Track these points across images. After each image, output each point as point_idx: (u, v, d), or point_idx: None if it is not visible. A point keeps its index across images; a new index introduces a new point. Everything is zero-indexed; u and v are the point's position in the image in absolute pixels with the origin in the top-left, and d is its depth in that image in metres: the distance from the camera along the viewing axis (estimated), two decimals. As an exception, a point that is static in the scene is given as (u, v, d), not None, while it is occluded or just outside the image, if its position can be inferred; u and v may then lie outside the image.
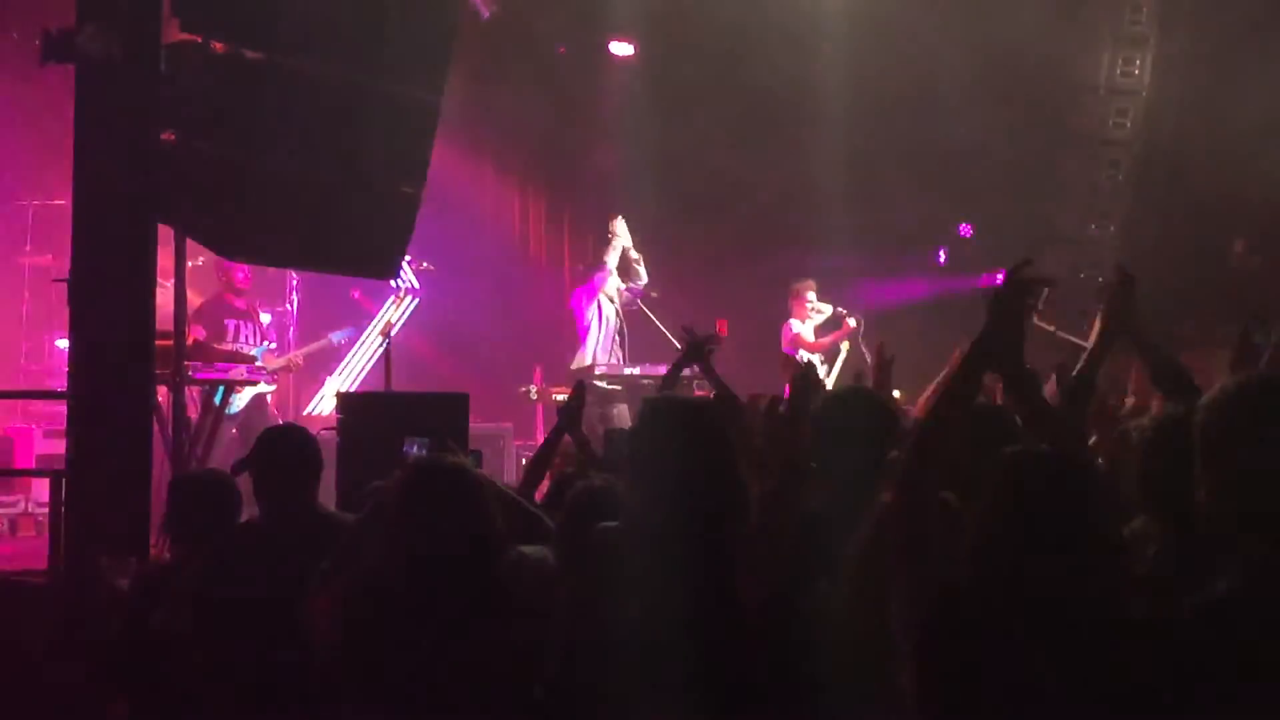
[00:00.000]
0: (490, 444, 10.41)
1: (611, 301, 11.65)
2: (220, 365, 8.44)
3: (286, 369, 11.23)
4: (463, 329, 13.87)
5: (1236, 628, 2.55)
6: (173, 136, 6.96)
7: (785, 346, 12.00)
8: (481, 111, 13.60)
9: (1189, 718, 2.55)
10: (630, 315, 11.84)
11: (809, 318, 12.36)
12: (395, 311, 11.78)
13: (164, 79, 6.74)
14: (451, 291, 13.08)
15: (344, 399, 8.64)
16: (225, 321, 10.38)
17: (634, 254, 11.77)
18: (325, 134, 7.59)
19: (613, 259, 11.64)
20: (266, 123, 7.26)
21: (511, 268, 15.23)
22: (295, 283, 12.62)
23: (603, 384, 11.02)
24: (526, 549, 4.01)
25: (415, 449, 5.41)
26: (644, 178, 13.43)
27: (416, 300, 11.78)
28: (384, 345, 9.92)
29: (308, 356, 11.48)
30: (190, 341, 8.17)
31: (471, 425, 7.43)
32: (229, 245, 8.05)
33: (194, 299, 10.33)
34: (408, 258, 10.33)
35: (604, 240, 11.84)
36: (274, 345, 11.04)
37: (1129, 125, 12.96)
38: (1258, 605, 2.57)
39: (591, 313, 11.58)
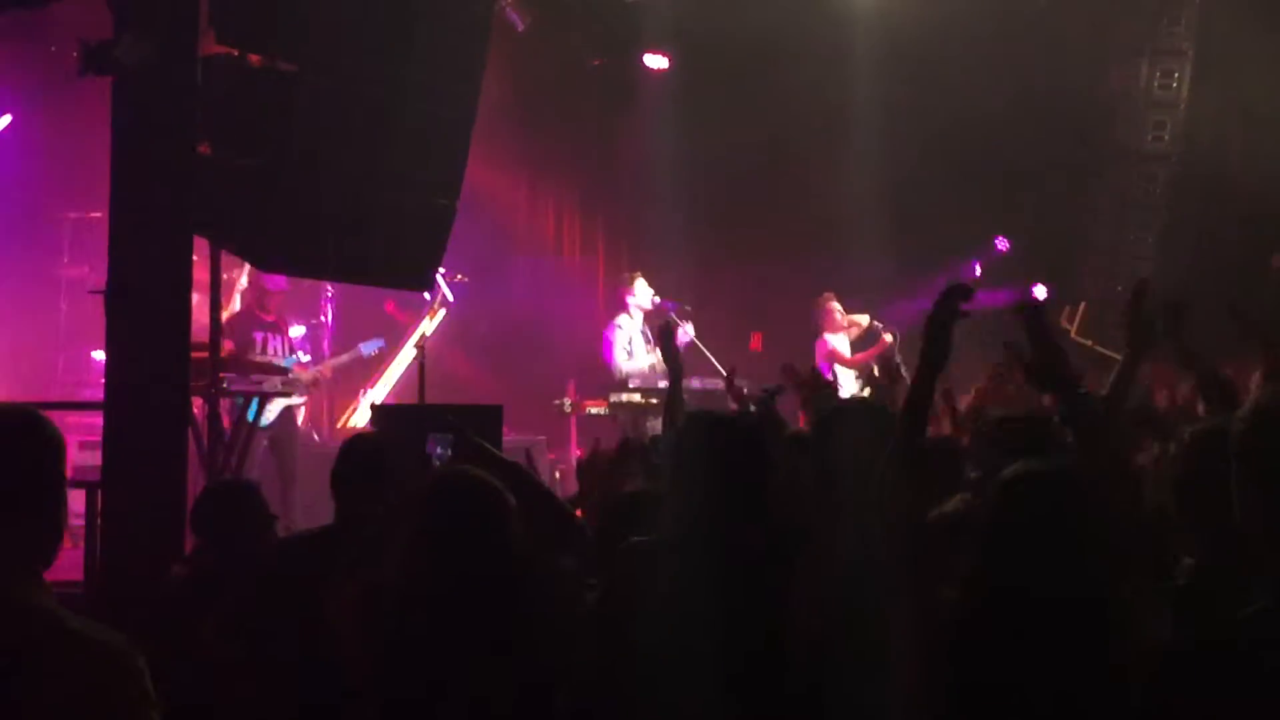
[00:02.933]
0: (524, 457, 10.38)
1: (641, 311, 11.60)
2: (255, 377, 8.46)
3: (315, 382, 11.22)
4: (496, 341, 13.89)
5: (1270, 646, 2.51)
6: (209, 148, 6.99)
7: (820, 361, 11.92)
8: (516, 124, 13.62)
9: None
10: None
11: (842, 329, 12.30)
12: (429, 324, 11.78)
13: (200, 91, 6.77)
14: (485, 303, 13.10)
15: (378, 411, 8.66)
16: (254, 334, 10.37)
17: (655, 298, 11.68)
18: (360, 146, 7.61)
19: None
20: (302, 135, 7.28)
21: (546, 280, 15.24)
22: (330, 295, 12.65)
23: (637, 396, 10.99)
24: (553, 557, 3.99)
25: (439, 449, 5.39)
26: (678, 190, 13.43)
27: (444, 311, 11.77)
28: (418, 357, 9.94)
29: (336, 369, 11.48)
30: (224, 353, 8.20)
31: (505, 437, 7.43)
32: (264, 257, 8.08)
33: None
34: (442, 270, 10.35)
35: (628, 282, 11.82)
36: (307, 357, 11.04)
37: (1167, 138, 12.88)
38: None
39: (620, 339, 11.52)
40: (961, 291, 3.45)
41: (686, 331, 11.43)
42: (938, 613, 3.00)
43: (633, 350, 11.46)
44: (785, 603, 3.55)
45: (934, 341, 3.41)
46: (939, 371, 3.44)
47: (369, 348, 11.52)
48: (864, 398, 7.76)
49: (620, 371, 11.31)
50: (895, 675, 3.17)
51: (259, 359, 10.07)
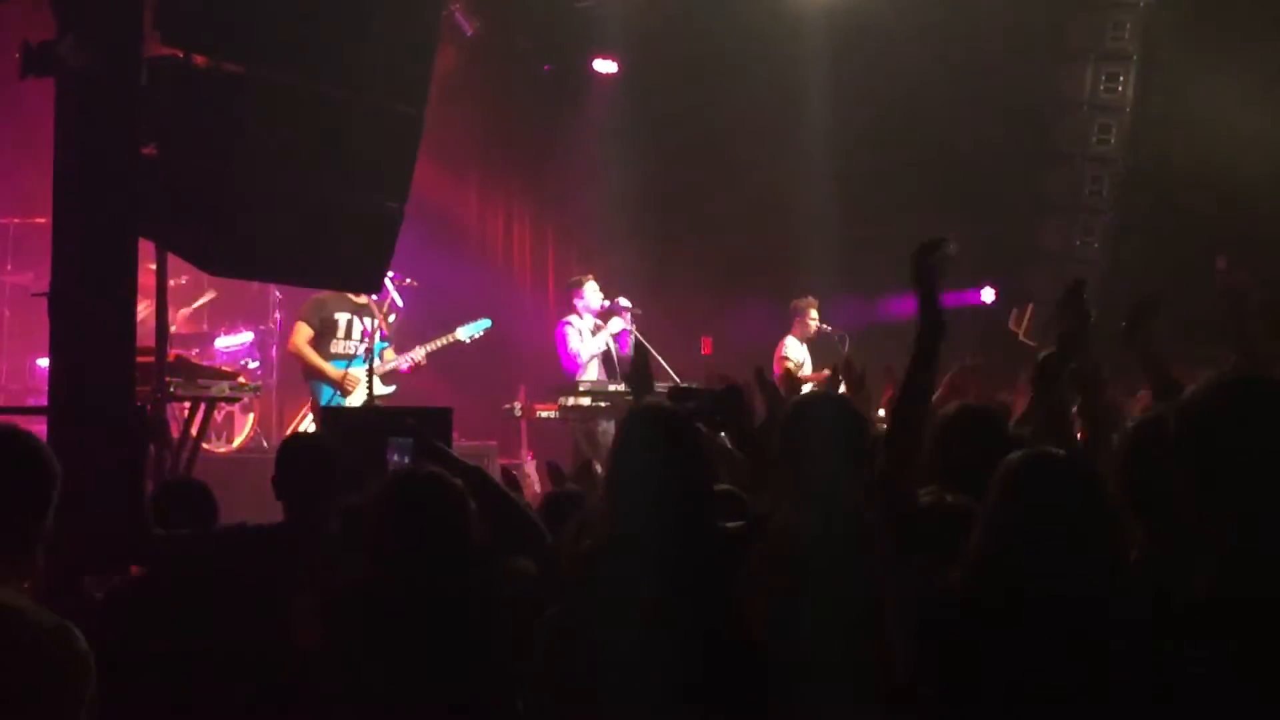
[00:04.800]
0: (474, 462, 10.28)
1: (591, 313, 11.62)
2: (201, 381, 8.37)
3: (416, 368, 10.90)
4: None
5: (1212, 628, 2.54)
6: (154, 150, 6.92)
7: (775, 360, 11.96)
8: (466, 127, 13.59)
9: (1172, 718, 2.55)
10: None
11: (809, 339, 12.34)
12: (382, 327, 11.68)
13: (145, 92, 6.71)
14: (435, 307, 13.03)
15: (327, 413, 8.59)
16: (335, 316, 10.21)
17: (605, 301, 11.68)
18: (307, 148, 7.55)
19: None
20: (248, 136, 7.22)
21: (495, 284, 15.19)
22: (278, 299, 12.57)
23: (588, 400, 10.97)
24: (513, 560, 3.98)
25: (397, 455, 5.37)
26: (628, 193, 13.44)
27: (393, 315, 11.69)
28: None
29: (431, 354, 11.10)
30: (173, 357, 8.12)
31: (455, 442, 7.39)
32: (211, 260, 7.98)
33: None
34: (391, 273, 10.28)
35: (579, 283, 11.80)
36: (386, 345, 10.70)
37: (1112, 141, 12.97)
38: (1231, 606, 2.55)
39: (573, 333, 11.54)
40: (930, 246, 3.44)
41: (629, 327, 11.44)
42: (933, 599, 2.98)
43: (586, 344, 11.49)
44: (743, 592, 3.55)
45: (923, 318, 3.46)
46: (933, 350, 3.44)
47: (467, 331, 11.25)
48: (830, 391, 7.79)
49: (581, 357, 11.30)
50: (874, 659, 3.17)
51: (342, 343, 10.00)
